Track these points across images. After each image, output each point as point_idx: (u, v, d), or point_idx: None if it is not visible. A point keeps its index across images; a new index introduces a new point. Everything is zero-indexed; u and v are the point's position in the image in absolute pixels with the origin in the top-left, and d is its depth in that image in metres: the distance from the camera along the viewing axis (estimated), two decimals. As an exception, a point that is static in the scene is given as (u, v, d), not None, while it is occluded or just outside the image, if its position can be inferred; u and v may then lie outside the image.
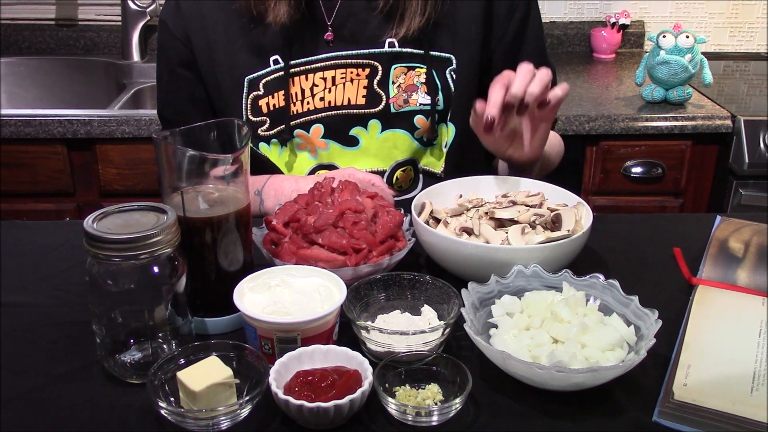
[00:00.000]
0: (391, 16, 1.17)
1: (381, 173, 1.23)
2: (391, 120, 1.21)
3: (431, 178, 1.25)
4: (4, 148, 1.88)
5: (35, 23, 2.42)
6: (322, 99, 1.20)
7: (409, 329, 0.81)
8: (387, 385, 0.76)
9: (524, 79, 1.00)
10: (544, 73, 1.01)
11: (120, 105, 2.07)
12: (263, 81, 1.20)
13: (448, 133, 1.24)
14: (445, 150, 1.25)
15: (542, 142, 1.11)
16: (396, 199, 1.22)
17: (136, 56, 2.34)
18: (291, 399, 0.70)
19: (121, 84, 2.30)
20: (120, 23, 2.35)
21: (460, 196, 1.09)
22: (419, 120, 1.21)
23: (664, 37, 1.95)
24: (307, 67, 1.19)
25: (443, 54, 1.20)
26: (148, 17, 2.32)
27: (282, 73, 1.19)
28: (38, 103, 2.32)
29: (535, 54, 1.24)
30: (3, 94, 2.32)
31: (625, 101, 2.01)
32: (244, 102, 1.21)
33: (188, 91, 1.25)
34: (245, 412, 0.73)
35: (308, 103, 1.20)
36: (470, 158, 1.28)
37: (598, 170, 1.96)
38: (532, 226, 0.97)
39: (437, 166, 1.26)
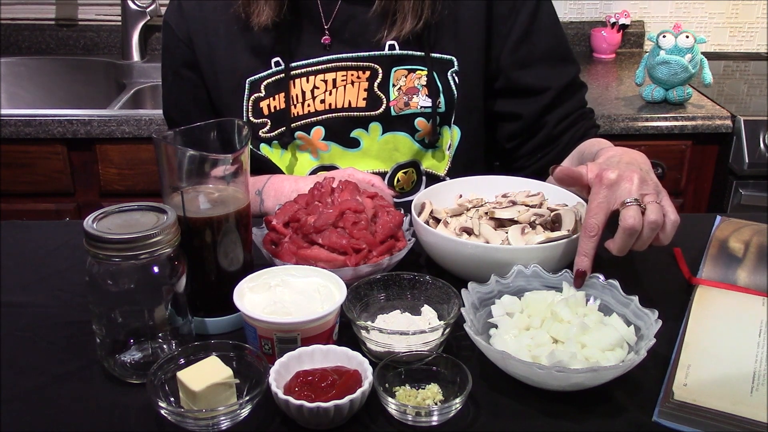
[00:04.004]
0: (386, 18, 1.16)
1: (382, 175, 1.23)
2: (392, 122, 1.21)
3: (435, 181, 1.24)
4: (4, 148, 1.88)
5: (35, 23, 2.42)
6: (322, 101, 1.20)
7: (409, 329, 0.81)
8: (387, 385, 0.76)
9: (627, 243, 0.88)
10: (650, 231, 0.87)
11: (120, 105, 2.07)
12: (264, 83, 1.20)
13: (453, 136, 1.24)
14: (448, 153, 1.24)
15: None
16: (397, 200, 1.22)
17: (136, 56, 2.34)
18: (291, 399, 0.70)
19: (121, 84, 2.30)
20: (120, 23, 2.35)
21: (460, 196, 1.09)
22: (420, 122, 1.21)
23: (664, 37, 1.95)
24: (307, 69, 1.19)
25: (445, 56, 1.19)
26: (148, 17, 2.31)
27: (283, 75, 1.19)
28: (38, 103, 2.32)
29: (550, 55, 1.22)
30: (3, 94, 2.32)
31: (625, 101, 2.01)
32: (245, 103, 1.21)
33: (192, 91, 1.25)
34: (245, 412, 0.73)
35: (309, 105, 1.20)
36: (474, 160, 1.28)
37: (598, 170, 1.95)
38: (532, 226, 0.97)
39: (440, 168, 1.26)
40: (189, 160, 0.82)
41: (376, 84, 1.19)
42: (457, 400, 0.72)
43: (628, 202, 0.87)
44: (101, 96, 2.30)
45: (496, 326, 0.84)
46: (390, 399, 0.73)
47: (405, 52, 1.18)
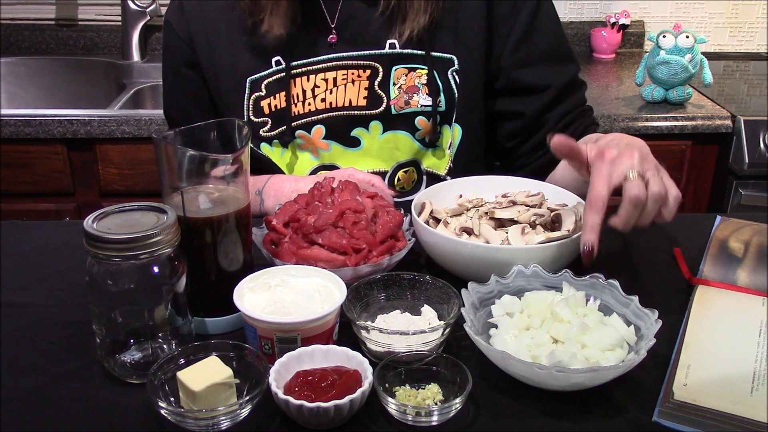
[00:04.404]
0: (393, 18, 1.16)
1: (383, 174, 1.23)
2: (393, 121, 1.21)
3: (435, 180, 1.24)
4: (4, 148, 1.88)
5: (35, 23, 2.42)
6: (323, 100, 1.20)
7: (409, 329, 0.81)
8: (387, 385, 0.76)
9: (632, 215, 0.87)
10: (654, 203, 0.88)
11: (120, 105, 2.07)
12: (265, 82, 1.20)
13: (454, 135, 1.24)
14: (449, 152, 1.25)
15: None
16: (397, 200, 1.22)
17: (136, 56, 2.34)
18: (291, 399, 0.70)
19: (121, 84, 2.30)
20: (120, 23, 2.36)
21: (460, 196, 1.09)
22: (420, 121, 1.21)
23: (664, 37, 1.95)
24: (308, 68, 1.19)
25: (445, 54, 1.19)
26: (148, 17, 2.32)
27: (283, 74, 1.19)
28: (38, 103, 2.32)
29: (550, 55, 1.22)
30: (3, 94, 2.32)
31: (625, 101, 2.01)
32: (245, 103, 1.21)
33: (193, 91, 1.26)
34: (245, 412, 0.73)
35: (309, 104, 1.20)
36: (475, 159, 1.28)
37: (598, 170, 1.95)
38: (532, 226, 0.97)
39: (441, 167, 1.26)
40: (189, 160, 0.82)
41: (376, 83, 1.19)
42: (457, 400, 0.72)
43: (630, 176, 0.88)
44: (101, 96, 2.30)
45: (496, 326, 0.83)
46: (390, 399, 0.73)
47: (405, 50, 1.18)
